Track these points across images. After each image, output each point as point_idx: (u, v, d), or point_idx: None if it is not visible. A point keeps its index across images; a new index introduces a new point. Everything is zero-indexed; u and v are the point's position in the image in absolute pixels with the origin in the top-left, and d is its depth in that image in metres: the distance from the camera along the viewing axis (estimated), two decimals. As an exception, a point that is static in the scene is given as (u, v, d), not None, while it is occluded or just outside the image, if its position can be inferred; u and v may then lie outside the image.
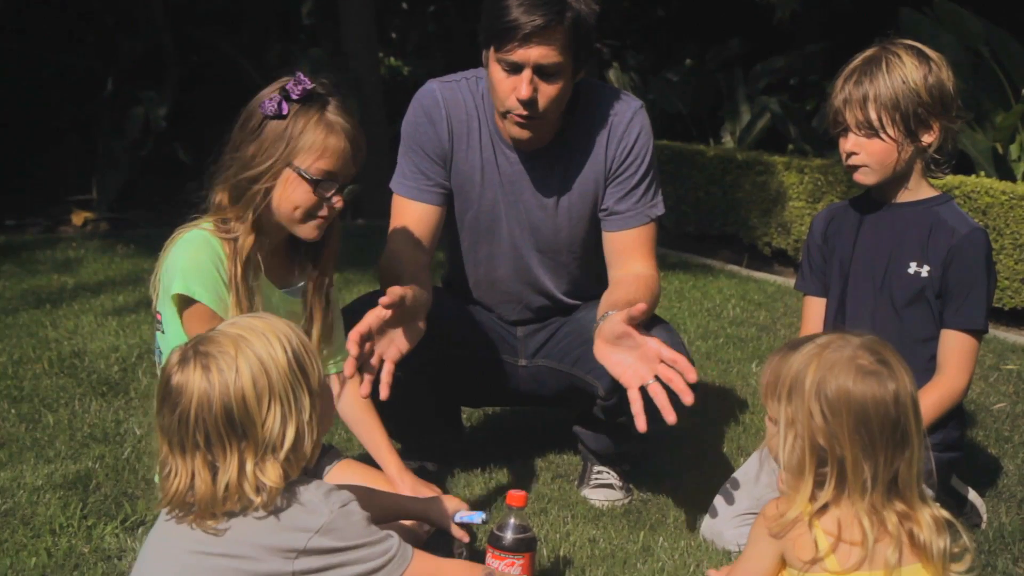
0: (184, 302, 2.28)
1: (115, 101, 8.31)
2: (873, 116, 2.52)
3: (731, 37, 8.83)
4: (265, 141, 2.29)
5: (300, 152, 2.28)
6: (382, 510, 2.23)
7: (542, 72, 2.57)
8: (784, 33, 8.36)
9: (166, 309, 2.33)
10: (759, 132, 7.87)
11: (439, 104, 2.78)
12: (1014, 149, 5.86)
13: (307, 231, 2.38)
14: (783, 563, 1.88)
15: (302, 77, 2.30)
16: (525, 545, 2.27)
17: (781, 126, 7.59)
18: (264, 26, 9.75)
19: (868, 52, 2.60)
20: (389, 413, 2.75)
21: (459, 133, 2.79)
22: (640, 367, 2.40)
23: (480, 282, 2.96)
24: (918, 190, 2.61)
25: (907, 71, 2.51)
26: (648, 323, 2.69)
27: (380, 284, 2.71)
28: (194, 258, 2.28)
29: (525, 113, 2.61)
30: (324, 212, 2.35)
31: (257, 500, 1.81)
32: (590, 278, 2.93)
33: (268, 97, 2.29)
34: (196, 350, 1.84)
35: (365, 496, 2.07)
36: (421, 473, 2.87)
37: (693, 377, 2.33)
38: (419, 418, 2.95)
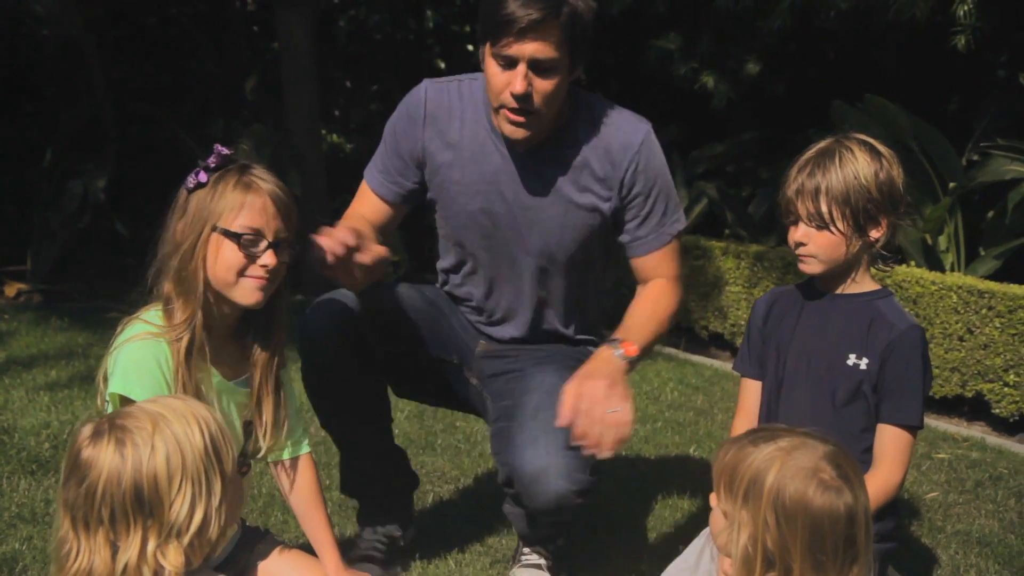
0: (124, 402, 2.24)
1: (53, 172, 8.21)
2: (824, 209, 2.56)
3: (670, 123, 9.01)
4: (189, 214, 2.30)
5: (221, 213, 2.29)
6: None
7: (537, 67, 2.59)
8: (721, 121, 8.55)
9: (109, 404, 2.29)
10: (697, 217, 8.00)
11: (421, 103, 2.82)
12: (943, 240, 6.03)
13: (246, 294, 2.33)
14: None
15: (219, 148, 2.33)
16: None
17: (718, 211, 7.73)
18: (206, 101, 9.76)
19: (822, 144, 2.64)
20: (344, 458, 2.95)
21: (440, 131, 2.81)
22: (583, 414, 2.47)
23: (463, 279, 2.98)
24: (862, 283, 2.66)
25: (859, 167, 2.56)
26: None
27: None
28: (136, 357, 2.25)
29: (517, 107, 2.62)
30: (258, 272, 2.32)
31: None
32: (574, 299, 2.95)
33: (191, 173, 2.32)
34: (112, 424, 1.82)
35: None
36: (391, 544, 2.93)
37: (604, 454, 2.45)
38: (374, 460, 2.99)
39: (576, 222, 2.84)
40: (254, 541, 2.54)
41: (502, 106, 2.65)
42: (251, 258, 2.31)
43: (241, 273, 2.32)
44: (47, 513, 3.19)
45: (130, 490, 1.76)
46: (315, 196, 8.31)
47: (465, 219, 2.87)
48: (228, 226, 2.29)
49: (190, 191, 2.31)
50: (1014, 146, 5.73)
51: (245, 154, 2.34)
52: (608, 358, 2.61)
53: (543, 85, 2.62)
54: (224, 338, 2.42)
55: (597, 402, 2.47)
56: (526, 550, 2.96)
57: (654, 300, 2.86)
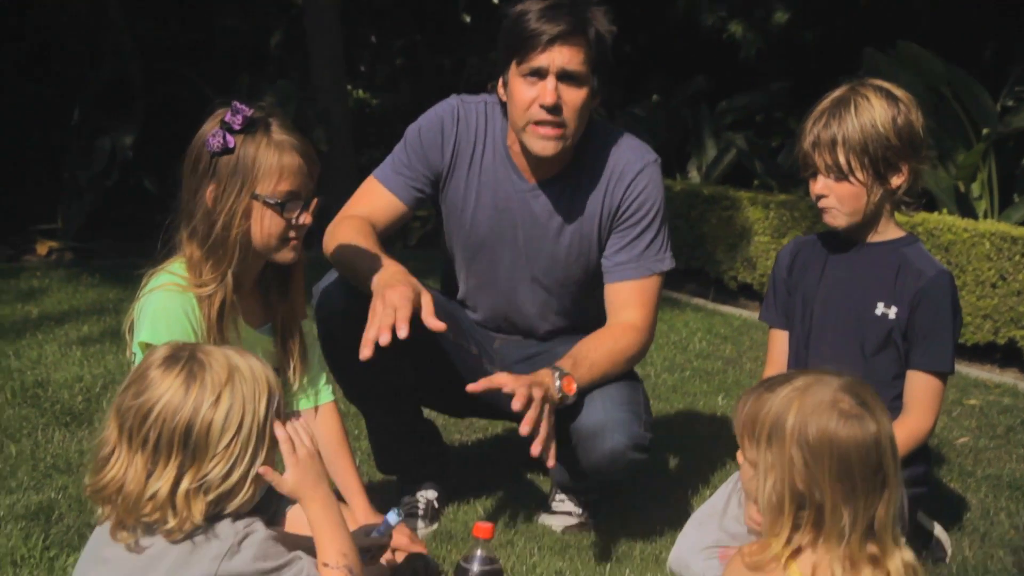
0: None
1: (82, 131, 8.26)
2: (842, 160, 2.52)
3: (697, 74, 8.93)
4: (221, 180, 2.26)
5: (259, 180, 2.26)
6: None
7: (566, 77, 2.60)
8: (749, 71, 8.47)
9: (138, 352, 2.30)
10: (725, 168, 7.95)
11: (454, 119, 2.81)
12: (975, 187, 5.95)
13: (284, 255, 2.36)
14: None
15: (239, 106, 2.27)
16: None
17: (746, 162, 7.68)
18: (232, 58, 9.75)
19: (837, 93, 2.60)
20: (374, 434, 2.90)
21: (463, 151, 2.81)
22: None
23: (467, 298, 2.98)
24: (886, 231, 2.63)
25: (876, 113, 2.51)
26: (617, 378, 2.73)
27: (329, 250, 2.73)
28: (163, 306, 2.25)
29: (549, 118, 2.61)
30: (296, 233, 2.34)
31: (172, 523, 1.78)
32: (578, 319, 2.93)
33: (211, 134, 2.26)
34: (191, 355, 1.82)
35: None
36: (425, 507, 2.91)
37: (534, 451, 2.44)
38: (404, 432, 2.96)
39: (583, 249, 2.84)
40: (284, 488, 2.56)
41: (529, 122, 2.64)
42: (290, 222, 2.31)
43: (283, 237, 2.33)
44: (81, 464, 3.23)
45: (182, 427, 1.76)
46: (341, 152, 8.31)
47: (475, 242, 2.87)
48: (269, 194, 2.27)
49: (216, 154, 2.26)
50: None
51: (262, 109, 2.32)
52: (544, 378, 2.54)
53: (572, 96, 2.62)
54: (251, 288, 2.43)
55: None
56: (559, 497, 2.98)
57: (615, 339, 2.74)
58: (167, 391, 1.77)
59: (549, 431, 2.47)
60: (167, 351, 1.84)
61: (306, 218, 2.33)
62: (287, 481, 1.90)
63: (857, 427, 1.77)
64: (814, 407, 1.78)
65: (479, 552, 2.28)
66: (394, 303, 2.39)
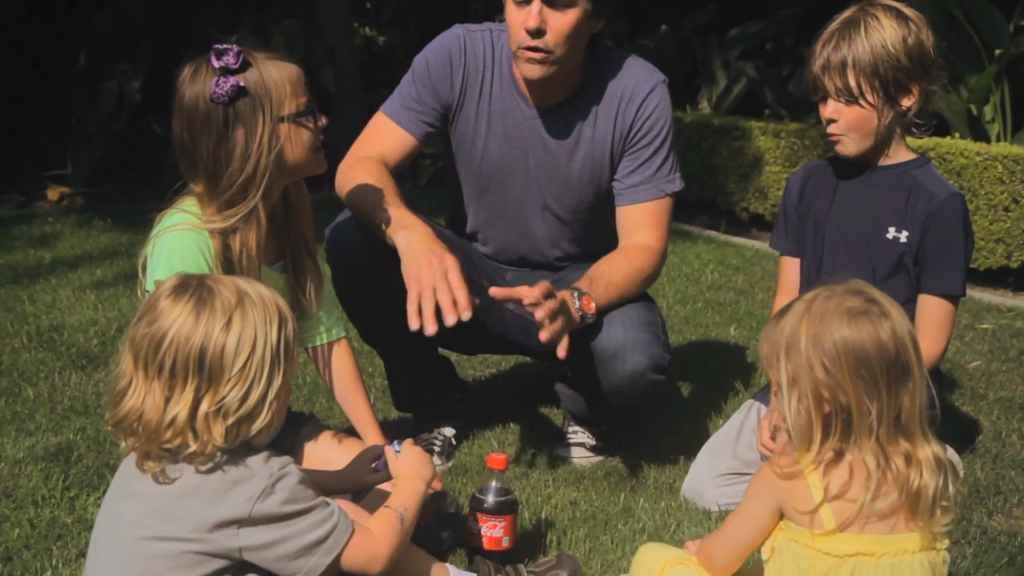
0: None
1: (88, 75, 8.22)
2: (852, 83, 2.49)
3: (706, 3, 8.81)
4: (246, 120, 2.23)
5: (279, 103, 2.25)
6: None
7: (550, 1, 2.58)
8: (759, -2, 8.35)
9: (151, 288, 2.30)
10: (736, 98, 7.87)
11: (461, 49, 2.80)
12: (988, 110, 5.89)
13: (319, 164, 2.36)
14: (776, 522, 1.88)
15: (221, 47, 2.22)
16: (506, 507, 2.29)
17: (758, 91, 7.60)
18: (237, -3, 9.67)
19: (846, 14, 2.56)
20: (391, 374, 2.92)
21: (472, 82, 2.80)
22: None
23: (477, 231, 2.98)
24: (896, 154, 2.61)
25: (886, 34, 2.48)
26: (634, 300, 2.73)
27: (344, 194, 2.70)
28: (179, 244, 2.24)
29: (533, 44, 2.60)
30: (319, 136, 2.34)
31: (194, 446, 1.79)
32: (589, 246, 2.92)
33: (213, 85, 2.21)
34: (200, 283, 1.83)
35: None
36: (443, 444, 2.93)
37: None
38: (421, 370, 2.97)
39: (594, 173, 2.83)
40: (299, 425, 2.58)
41: (519, 47, 2.64)
42: (316, 129, 2.32)
43: (314, 147, 2.33)
44: (98, 406, 3.27)
45: (195, 351, 1.78)
46: (350, 90, 8.25)
47: (486, 173, 2.86)
48: (292, 110, 2.26)
49: (232, 100, 2.21)
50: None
51: (233, 40, 2.28)
52: (565, 297, 2.54)
53: (556, 21, 2.59)
54: (263, 223, 2.42)
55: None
56: (572, 428, 3.00)
57: (630, 259, 2.75)
58: (178, 317, 1.79)
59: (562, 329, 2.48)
60: (176, 280, 1.85)
61: (323, 119, 2.33)
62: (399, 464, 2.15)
63: (868, 323, 1.79)
64: (823, 314, 1.81)
65: (493, 483, 2.30)
66: (445, 273, 2.38)
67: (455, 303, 2.36)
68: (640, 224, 2.80)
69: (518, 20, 2.62)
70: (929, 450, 1.81)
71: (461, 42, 2.80)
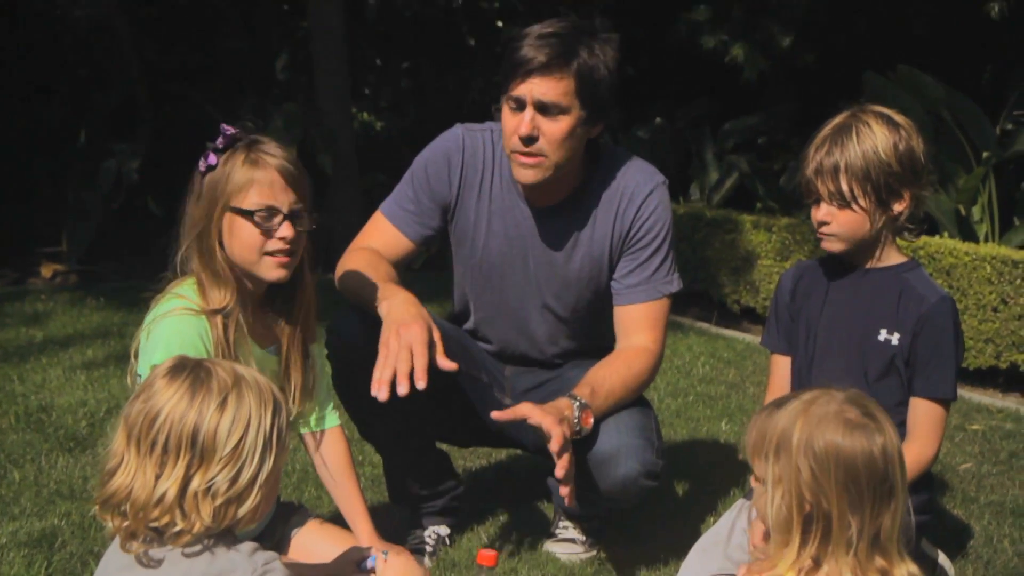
0: None
1: (88, 153, 8.30)
2: (844, 187, 2.52)
3: (700, 96, 8.96)
4: (204, 195, 2.33)
5: (233, 193, 2.31)
6: None
7: (543, 109, 2.61)
8: (751, 93, 8.49)
9: (145, 374, 2.31)
10: (728, 190, 7.96)
11: (460, 149, 2.83)
12: (976, 211, 5.96)
13: (269, 270, 2.37)
14: None
15: (224, 127, 2.33)
16: None
17: (750, 185, 7.69)
18: (238, 80, 9.80)
19: (838, 119, 2.61)
20: (388, 469, 2.93)
21: (471, 181, 2.83)
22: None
23: (477, 329, 2.99)
24: (888, 256, 2.63)
25: (877, 140, 2.52)
26: (629, 403, 2.74)
27: (339, 279, 2.75)
28: (178, 329, 2.27)
29: (525, 149, 2.64)
30: (278, 246, 2.34)
31: (181, 524, 1.78)
32: (587, 343, 2.94)
33: (200, 159, 2.34)
34: (196, 364, 1.84)
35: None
36: (436, 543, 2.92)
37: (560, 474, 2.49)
38: (419, 467, 2.95)
39: (593, 273, 2.86)
40: (288, 514, 2.57)
41: (512, 151, 2.68)
42: (268, 234, 2.33)
43: (262, 251, 2.35)
44: (85, 490, 3.25)
45: (188, 429, 1.78)
46: (346, 175, 8.33)
47: (485, 271, 2.89)
48: (240, 204, 2.31)
49: (203, 174, 2.33)
50: (1051, 114, 5.65)
51: (251, 129, 2.35)
52: (564, 410, 2.56)
53: (549, 128, 2.63)
54: (254, 308, 2.45)
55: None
56: (563, 524, 2.98)
57: (629, 364, 2.76)
58: (173, 395, 1.80)
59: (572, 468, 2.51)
60: (173, 361, 1.86)
61: (286, 230, 2.33)
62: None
63: (863, 437, 1.78)
64: (820, 418, 1.80)
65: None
66: (409, 343, 2.42)
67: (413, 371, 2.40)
68: (637, 325, 2.82)
69: (511, 125, 2.65)
70: (905, 570, 1.80)
71: (460, 141, 2.84)
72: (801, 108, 8.24)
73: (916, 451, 2.55)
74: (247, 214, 2.31)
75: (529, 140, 2.63)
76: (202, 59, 9.72)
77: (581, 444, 2.65)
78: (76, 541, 2.85)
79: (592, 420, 2.61)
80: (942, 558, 2.78)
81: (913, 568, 1.81)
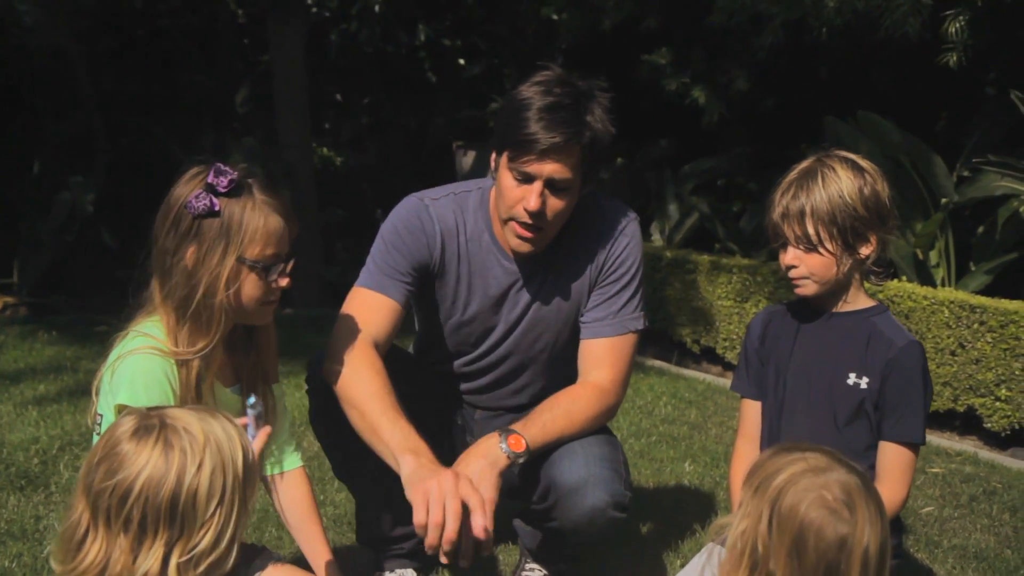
0: None
1: (41, 184, 8.19)
2: (811, 231, 2.53)
3: (660, 138, 9.03)
4: (204, 242, 2.22)
5: (246, 244, 2.23)
6: None
7: (553, 186, 2.58)
8: (711, 136, 8.58)
9: (107, 414, 2.24)
10: (688, 231, 8.02)
11: (432, 219, 2.75)
12: (933, 255, 6.04)
13: (261, 317, 2.34)
14: None
15: (223, 167, 2.24)
16: None
17: (709, 226, 7.75)
18: (197, 113, 9.75)
19: (804, 164, 2.62)
20: (360, 508, 2.86)
21: (450, 249, 2.76)
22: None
23: (453, 372, 2.94)
24: (856, 300, 2.64)
25: (843, 185, 2.53)
26: (591, 434, 2.71)
27: (343, 402, 2.59)
28: (143, 368, 2.20)
29: (530, 223, 2.60)
30: (276, 295, 2.32)
31: None
32: (560, 384, 2.88)
33: (194, 195, 2.22)
34: (162, 422, 1.72)
35: None
36: None
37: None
38: (391, 508, 2.87)
39: (571, 313, 2.84)
40: (251, 557, 2.49)
41: (512, 219, 2.64)
42: (270, 284, 2.29)
43: (262, 301, 2.30)
44: (37, 530, 3.16)
45: (166, 500, 1.67)
46: (306, 209, 8.28)
47: (464, 331, 2.85)
48: (251, 256, 2.24)
49: (200, 216, 2.22)
50: (1005, 162, 5.75)
51: (244, 170, 2.29)
52: (490, 449, 2.51)
53: (556, 204, 2.61)
54: (220, 349, 2.39)
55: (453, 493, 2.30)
56: (528, 566, 2.94)
57: (573, 399, 2.71)
58: (146, 464, 1.69)
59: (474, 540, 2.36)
60: (134, 422, 1.74)
61: (284, 281, 2.30)
62: None
63: (827, 517, 1.73)
64: (805, 484, 1.77)
65: None
66: (448, 511, 2.26)
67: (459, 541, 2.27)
68: (600, 360, 2.79)
69: (516, 195, 2.60)
70: None
71: (428, 212, 2.76)
72: (760, 151, 8.33)
73: (885, 495, 2.51)
74: (262, 269, 2.26)
75: (537, 216, 2.60)
76: (161, 92, 9.65)
77: (547, 476, 2.63)
78: (28, 583, 2.77)
79: (524, 444, 2.52)
80: (909, 604, 2.78)
81: None
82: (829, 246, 2.55)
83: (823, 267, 2.57)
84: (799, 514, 1.74)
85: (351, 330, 2.64)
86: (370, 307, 2.69)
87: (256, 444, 2.06)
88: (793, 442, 1.91)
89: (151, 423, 1.73)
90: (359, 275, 2.76)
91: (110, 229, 8.07)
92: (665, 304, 6.85)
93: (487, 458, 2.47)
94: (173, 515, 1.69)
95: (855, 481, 1.80)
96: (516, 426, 2.58)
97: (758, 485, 1.80)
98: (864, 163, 2.63)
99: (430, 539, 2.23)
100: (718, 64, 8.03)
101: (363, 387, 2.53)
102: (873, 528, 1.76)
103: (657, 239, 8.18)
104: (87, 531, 1.70)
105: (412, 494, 2.31)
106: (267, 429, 2.13)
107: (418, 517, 2.25)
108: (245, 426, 2.10)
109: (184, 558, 1.71)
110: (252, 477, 1.79)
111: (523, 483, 2.78)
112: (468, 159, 9.86)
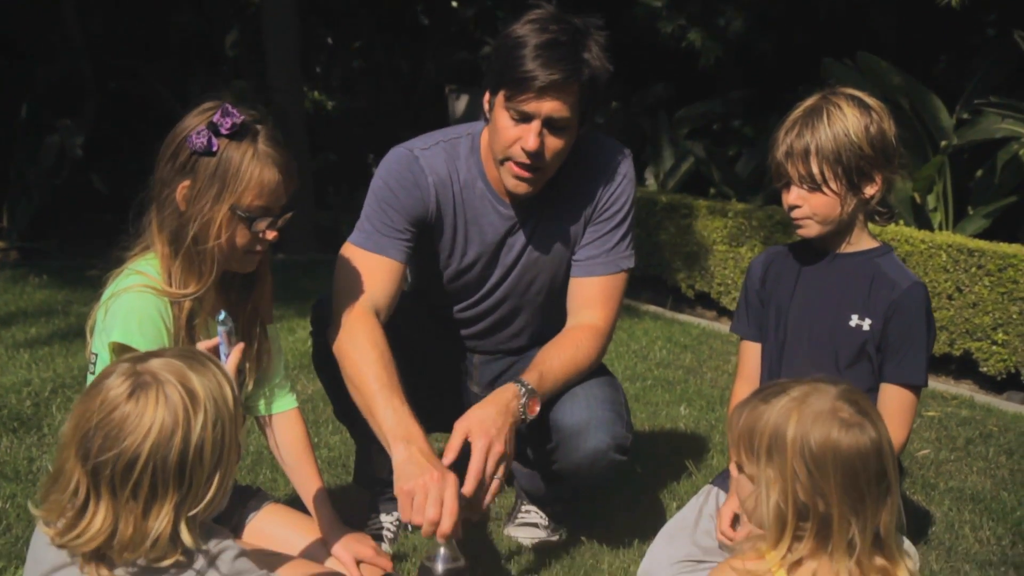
0: (122, 350, 2.17)
1: (30, 128, 8.09)
2: (815, 170, 2.48)
3: (656, 82, 8.95)
4: (197, 182, 2.18)
5: (240, 192, 2.18)
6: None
7: (551, 125, 2.52)
8: (707, 79, 8.50)
9: (102, 352, 2.20)
10: (682, 176, 7.97)
11: (423, 170, 2.69)
12: (931, 199, 6.01)
13: (245, 265, 2.31)
14: None
15: (230, 109, 2.18)
16: (455, 575, 2.22)
17: (705, 170, 7.69)
18: (186, 56, 9.62)
19: (809, 102, 2.56)
20: (360, 451, 2.88)
21: (444, 199, 2.71)
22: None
23: (451, 317, 2.90)
24: (859, 241, 2.60)
25: (848, 123, 2.48)
26: (592, 376, 2.70)
27: (344, 373, 2.57)
28: (137, 306, 2.17)
29: (528, 163, 2.55)
30: (262, 246, 2.28)
31: (173, 558, 1.67)
32: (557, 327, 2.85)
33: (195, 131, 2.17)
34: (155, 379, 1.65)
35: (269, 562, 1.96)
36: (397, 529, 2.88)
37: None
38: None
39: (568, 258, 2.79)
40: (246, 499, 2.50)
41: (508, 159, 2.58)
42: (257, 235, 2.24)
43: (247, 250, 2.26)
44: (30, 471, 3.14)
45: (175, 460, 1.62)
46: (296, 154, 8.14)
47: (461, 280, 2.81)
48: (243, 205, 2.19)
49: (197, 153, 2.18)
50: (1006, 103, 5.69)
51: (253, 116, 2.23)
52: (510, 400, 2.49)
53: (554, 143, 2.55)
54: (216, 288, 2.36)
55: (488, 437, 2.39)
56: (525, 508, 2.93)
57: (577, 346, 2.68)
58: (151, 427, 1.62)
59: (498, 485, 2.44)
60: (126, 382, 1.66)
61: (272, 234, 2.26)
62: None
63: (859, 435, 1.73)
64: (814, 417, 1.75)
65: (442, 551, 2.23)
66: (442, 496, 2.28)
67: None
68: (592, 300, 2.76)
69: (512, 135, 2.54)
70: (905, 568, 1.76)
71: (419, 163, 2.69)
72: (757, 94, 8.26)
73: (886, 438, 2.53)
74: (246, 219, 2.21)
75: (535, 155, 2.54)
76: (149, 34, 9.51)
77: (548, 418, 2.61)
78: (22, 524, 2.75)
79: (538, 408, 2.54)
80: (907, 544, 2.76)
81: (911, 564, 1.78)
82: (833, 186, 2.50)
83: (827, 207, 2.53)
84: (834, 446, 1.73)
85: (352, 297, 2.60)
86: (370, 270, 2.63)
87: (230, 362, 2.06)
88: (746, 399, 1.88)
89: (144, 380, 1.66)
90: (353, 231, 2.71)
91: (99, 173, 7.99)
92: (660, 249, 6.81)
93: (506, 414, 2.46)
94: (182, 474, 1.64)
95: (845, 387, 1.81)
96: (531, 380, 2.54)
97: (768, 448, 1.76)
98: (871, 101, 2.57)
99: (424, 532, 2.27)
100: (714, 6, 7.92)
101: (360, 363, 2.50)
102: (881, 419, 1.79)
103: (652, 184, 8.13)
104: (87, 499, 1.64)
105: (398, 491, 2.32)
106: (240, 345, 2.12)
107: (404, 514, 2.29)
108: (217, 345, 2.08)
109: (193, 512, 1.67)
110: (240, 412, 1.76)
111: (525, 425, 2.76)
112: (461, 103, 9.76)
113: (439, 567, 2.22)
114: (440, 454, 2.41)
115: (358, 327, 2.54)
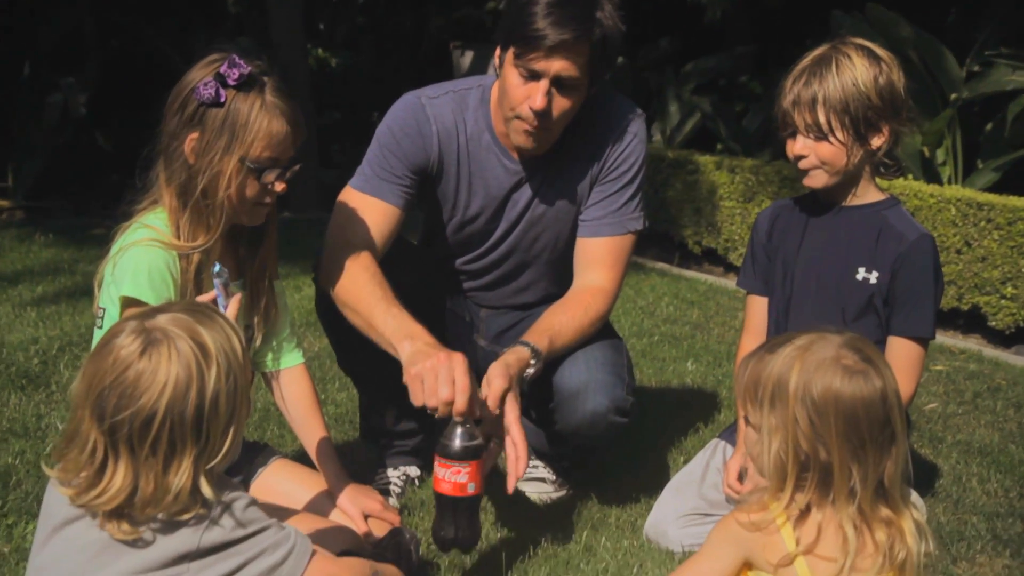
0: (132, 304, 2.16)
1: (33, 86, 8.05)
2: (822, 119, 2.46)
3: (662, 37, 8.87)
4: (206, 133, 2.17)
5: (249, 144, 2.18)
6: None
7: (560, 84, 2.50)
8: (714, 33, 8.42)
9: (110, 307, 2.20)
10: (689, 132, 7.91)
11: (428, 119, 2.67)
12: (940, 153, 5.96)
13: (254, 217, 2.30)
14: (743, 569, 1.82)
15: (237, 60, 2.17)
16: (472, 452, 2.21)
17: (711, 126, 7.64)
18: (189, 13, 9.55)
19: (818, 51, 2.54)
20: (365, 404, 2.87)
21: (447, 148, 2.69)
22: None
23: (457, 269, 2.90)
24: (866, 193, 2.58)
25: (857, 72, 2.46)
26: (595, 338, 2.69)
27: (338, 301, 2.56)
28: (146, 260, 2.16)
29: (535, 122, 2.53)
30: (270, 198, 2.27)
31: (194, 511, 1.68)
32: (562, 285, 2.85)
33: (203, 82, 2.16)
34: (165, 335, 1.65)
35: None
36: (404, 483, 2.88)
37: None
38: (397, 403, 2.80)
39: (574, 217, 2.77)
40: (253, 454, 2.50)
41: (517, 117, 2.55)
42: (266, 187, 2.24)
43: (255, 202, 2.25)
44: (39, 428, 3.15)
45: (192, 414, 1.63)
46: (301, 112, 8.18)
47: (467, 231, 2.79)
48: (252, 156, 2.18)
49: (204, 104, 2.16)
50: (1018, 55, 5.62)
51: (260, 67, 2.22)
52: (519, 360, 2.47)
53: (563, 102, 2.52)
54: (224, 242, 2.35)
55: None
56: (532, 463, 2.93)
57: (586, 309, 2.67)
58: (166, 383, 1.63)
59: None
60: (136, 340, 1.65)
61: (280, 186, 2.25)
62: None
63: (862, 383, 1.72)
64: (817, 365, 1.74)
65: (459, 429, 2.20)
66: (452, 375, 2.25)
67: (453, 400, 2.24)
68: (598, 260, 2.74)
69: (521, 93, 2.51)
70: (910, 518, 1.76)
71: (425, 111, 2.68)
72: (764, 49, 8.18)
73: (893, 390, 2.52)
74: (255, 170, 2.20)
75: (543, 114, 2.51)
76: (152, -10, 9.43)
77: (549, 379, 2.61)
78: (31, 480, 2.76)
79: (540, 369, 2.52)
80: (914, 496, 2.77)
81: (917, 515, 1.77)
82: (840, 135, 2.48)
83: (833, 156, 2.50)
84: (836, 393, 1.72)
85: (345, 236, 2.61)
86: (366, 211, 2.64)
87: (229, 312, 2.05)
88: (752, 351, 1.87)
89: (155, 337, 1.66)
90: (354, 175, 2.71)
91: (104, 131, 7.96)
92: (666, 205, 6.78)
93: (517, 364, 2.45)
94: (199, 428, 1.65)
95: (849, 336, 1.79)
96: (541, 346, 2.52)
97: (771, 396, 1.76)
98: (881, 51, 2.55)
99: (440, 412, 2.23)
100: (722, -42, 7.84)
101: (356, 286, 2.51)
102: (887, 367, 1.78)
103: (658, 140, 8.07)
104: (105, 459, 1.65)
105: (406, 377, 2.30)
106: (238, 296, 2.13)
107: (415, 399, 2.25)
108: (215, 298, 2.08)
109: (211, 464, 1.68)
110: (247, 362, 1.77)
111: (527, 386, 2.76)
112: (466, 59, 9.69)
113: (456, 443, 2.20)
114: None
115: (353, 260, 2.54)
